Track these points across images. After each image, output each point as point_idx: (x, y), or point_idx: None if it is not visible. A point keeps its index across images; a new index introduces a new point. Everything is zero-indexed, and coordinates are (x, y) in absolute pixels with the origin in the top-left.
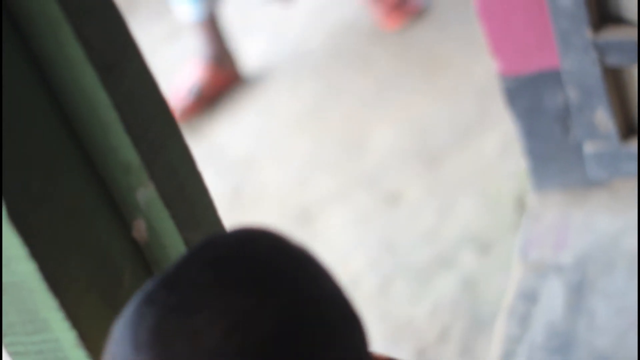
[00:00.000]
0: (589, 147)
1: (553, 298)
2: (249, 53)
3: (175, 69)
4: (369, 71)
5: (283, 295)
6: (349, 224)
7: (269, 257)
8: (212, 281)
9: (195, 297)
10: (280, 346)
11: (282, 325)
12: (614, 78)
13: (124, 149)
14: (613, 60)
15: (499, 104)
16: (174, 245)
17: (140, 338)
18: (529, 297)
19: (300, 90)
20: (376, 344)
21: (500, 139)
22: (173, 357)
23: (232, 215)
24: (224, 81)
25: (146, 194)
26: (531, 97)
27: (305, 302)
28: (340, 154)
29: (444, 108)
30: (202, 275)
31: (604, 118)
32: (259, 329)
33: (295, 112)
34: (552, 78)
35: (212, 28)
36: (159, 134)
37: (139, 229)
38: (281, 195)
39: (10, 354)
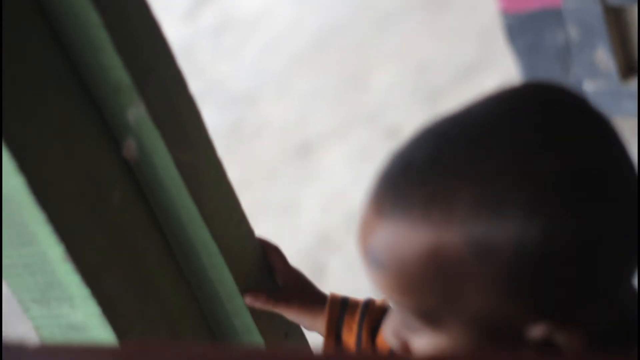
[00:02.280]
0: (588, 86)
1: None
2: None
3: None
4: (371, 8)
5: (572, 145)
6: (349, 159)
7: (564, 106)
8: (498, 119)
9: (478, 131)
10: (553, 200)
11: (562, 177)
12: (615, 17)
13: (115, 69)
14: None
15: (500, 43)
16: (164, 165)
17: (414, 164)
18: None
19: (301, 26)
20: None
21: (501, 77)
22: (441, 188)
23: (232, 148)
24: None
25: (136, 113)
26: (532, 35)
27: (597, 160)
28: (341, 90)
29: (445, 46)
30: (489, 113)
31: (604, 57)
32: (534, 174)
33: (296, 48)
34: (553, 16)
35: None
36: (150, 55)
37: (129, 148)
38: (281, 130)
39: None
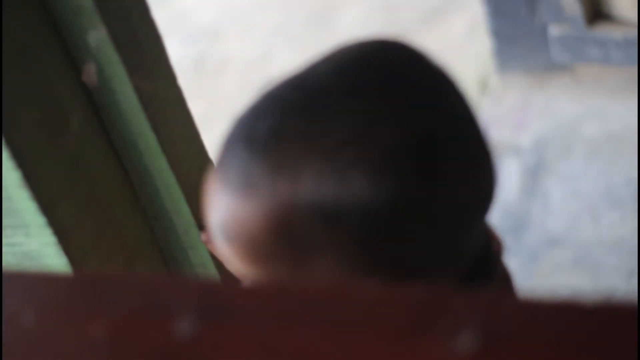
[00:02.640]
0: (554, 30)
1: (509, 179)
2: None
3: None
4: None
5: (414, 110)
6: None
7: (404, 69)
8: (340, 85)
9: (320, 100)
10: (399, 166)
11: (406, 144)
12: None
13: None
14: None
15: None
16: (124, 91)
17: (256, 135)
18: None
19: None
20: None
21: (468, 20)
22: (285, 160)
23: (195, 83)
24: None
25: (97, 37)
26: None
27: (439, 123)
28: (306, 28)
29: None
30: (330, 78)
31: (570, 1)
32: (378, 143)
33: None
34: None
35: None
36: None
37: (89, 72)
38: (245, 67)
39: None
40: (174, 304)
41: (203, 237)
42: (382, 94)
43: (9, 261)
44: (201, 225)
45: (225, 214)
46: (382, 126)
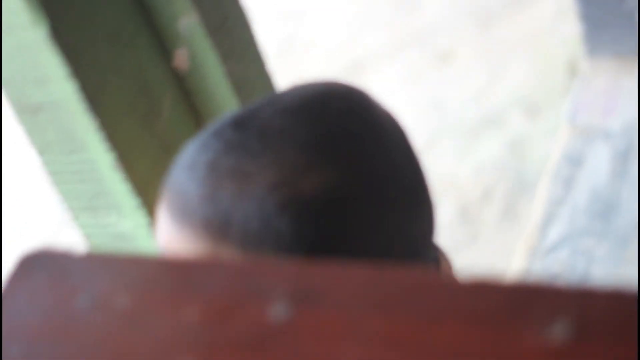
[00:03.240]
0: None
1: (598, 163)
2: None
3: None
4: None
5: (343, 161)
6: (399, 80)
7: (345, 118)
8: (278, 129)
9: (258, 141)
10: (324, 212)
11: (331, 192)
12: None
13: None
14: None
15: None
16: (215, 76)
17: (197, 169)
18: (574, 161)
19: None
20: None
21: (556, 3)
22: (219, 194)
23: (282, 65)
24: None
25: (189, 23)
26: None
27: (366, 176)
28: (393, 10)
29: None
30: (271, 120)
31: None
32: (305, 189)
33: None
34: None
35: None
36: None
37: (180, 58)
38: (331, 48)
39: (47, 172)
40: (267, 289)
41: None
42: (315, 143)
43: (103, 243)
44: None
45: (165, 236)
46: (307, 177)
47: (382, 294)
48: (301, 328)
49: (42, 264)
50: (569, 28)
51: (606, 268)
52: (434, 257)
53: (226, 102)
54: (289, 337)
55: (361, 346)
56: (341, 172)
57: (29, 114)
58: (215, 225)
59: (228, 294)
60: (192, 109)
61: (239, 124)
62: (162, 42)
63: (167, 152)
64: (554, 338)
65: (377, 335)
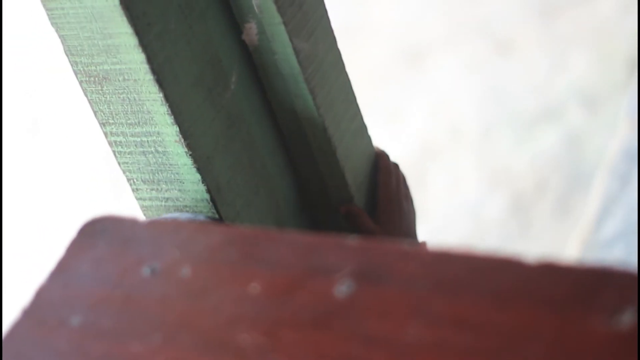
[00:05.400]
0: None
1: None
2: None
3: None
4: None
5: None
6: (458, 68)
7: None
8: None
9: None
10: None
11: None
12: None
13: None
14: None
15: None
16: (283, 52)
17: None
18: (632, 157)
19: None
20: (473, 190)
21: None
22: None
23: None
24: None
25: None
26: None
27: None
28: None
29: None
30: None
31: None
32: None
33: None
34: None
35: None
36: None
37: (250, 32)
38: (392, 34)
39: (110, 143)
40: (332, 266)
41: (344, 208)
42: None
43: (161, 215)
44: (351, 193)
45: None
46: None
47: (447, 274)
48: (365, 306)
49: (104, 231)
50: (632, 23)
51: None
52: None
53: (293, 79)
54: (353, 315)
55: (425, 326)
56: None
57: (95, 84)
58: None
59: (293, 269)
60: (259, 84)
61: None
62: (232, 16)
63: (231, 126)
64: (622, 326)
65: (442, 316)
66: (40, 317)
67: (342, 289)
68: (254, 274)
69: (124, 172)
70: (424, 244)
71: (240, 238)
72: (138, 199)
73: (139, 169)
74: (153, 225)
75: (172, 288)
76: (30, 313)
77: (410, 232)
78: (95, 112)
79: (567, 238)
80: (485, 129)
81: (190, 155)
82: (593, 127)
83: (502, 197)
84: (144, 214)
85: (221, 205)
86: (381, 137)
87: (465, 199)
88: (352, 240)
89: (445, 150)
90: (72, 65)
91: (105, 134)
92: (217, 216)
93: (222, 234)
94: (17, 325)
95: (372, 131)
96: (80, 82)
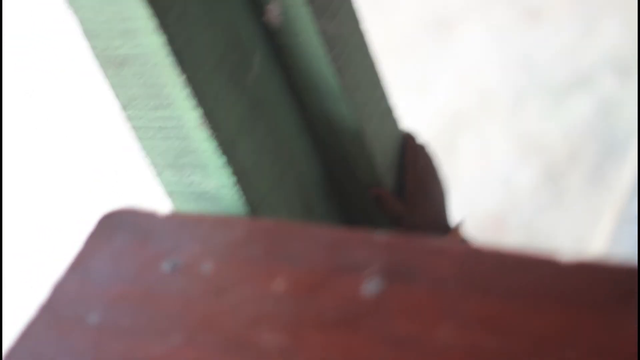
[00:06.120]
0: None
1: None
2: None
3: None
4: None
5: None
6: (487, 36)
7: None
8: None
9: None
10: None
11: None
12: None
13: None
14: None
15: None
16: (307, 33)
17: None
18: None
19: None
20: (504, 159)
21: None
22: None
23: (369, 19)
24: None
25: None
26: None
27: None
28: None
29: None
30: None
31: None
32: None
33: None
34: None
35: None
36: None
37: (272, 12)
38: (419, 3)
39: (131, 128)
40: (360, 263)
41: (373, 192)
42: None
43: (187, 202)
44: (380, 176)
45: None
46: None
47: (479, 273)
48: (394, 306)
49: (124, 224)
50: None
51: None
52: None
53: (318, 61)
54: (381, 316)
55: (456, 329)
56: None
57: (114, 68)
58: None
59: (319, 266)
60: (283, 65)
61: None
62: None
63: (255, 109)
64: None
65: (474, 317)
66: (57, 315)
67: (370, 287)
68: (278, 271)
69: (145, 157)
70: (459, 225)
71: (263, 233)
72: (162, 184)
73: (161, 153)
74: (173, 219)
75: (192, 285)
76: (47, 310)
77: (441, 214)
78: (114, 96)
79: (600, 209)
80: (515, 98)
81: (213, 139)
82: (627, 95)
83: (533, 167)
84: (168, 200)
85: (246, 189)
86: (409, 107)
87: (496, 168)
88: (380, 236)
89: (475, 119)
90: (89, 47)
91: (126, 118)
92: (242, 200)
93: (245, 228)
94: (34, 323)
95: (398, 103)
96: (99, 66)
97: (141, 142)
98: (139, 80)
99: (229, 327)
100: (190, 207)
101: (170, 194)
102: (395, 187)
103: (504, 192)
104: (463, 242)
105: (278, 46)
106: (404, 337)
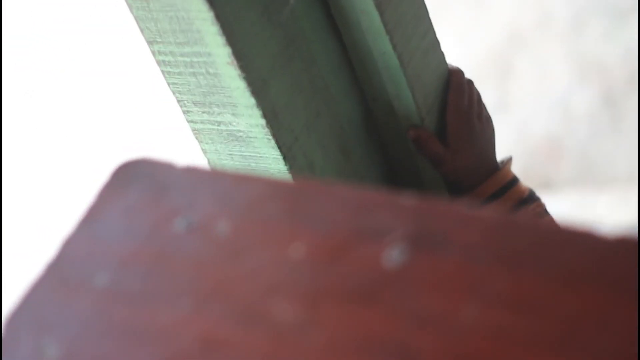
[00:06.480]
0: None
1: None
2: None
3: None
4: None
5: None
6: None
7: None
8: None
9: None
10: None
11: None
12: None
13: None
14: None
15: None
16: None
17: None
18: None
19: None
20: (561, 82)
21: None
22: None
23: None
24: None
25: None
26: None
27: None
28: None
29: None
30: None
31: None
32: None
33: None
34: None
35: None
36: None
37: None
38: None
39: (158, 62)
40: (385, 228)
41: (411, 133)
42: None
43: (214, 141)
44: (421, 115)
45: None
46: None
47: (510, 246)
48: (418, 278)
49: (140, 175)
50: None
51: None
52: None
53: None
54: (403, 288)
55: (483, 307)
56: None
57: (141, 0)
58: None
59: (341, 230)
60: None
61: None
62: None
63: (290, 46)
64: None
65: (503, 295)
66: (64, 275)
67: (393, 255)
68: (297, 234)
69: (173, 92)
70: (509, 161)
71: (284, 191)
72: (189, 121)
73: (189, 90)
74: (190, 172)
75: (206, 247)
76: (54, 269)
77: (486, 154)
78: (141, 30)
79: None
80: (576, 19)
81: (243, 78)
82: None
83: (592, 90)
84: (196, 138)
85: (277, 129)
86: (466, 26)
87: (554, 90)
88: (407, 199)
89: (534, 39)
90: None
91: (153, 53)
92: (272, 141)
93: (266, 185)
94: (39, 284)
95: (456, 21)
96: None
97: (169, 77)
98: (168, 14)
99: (242, 295)
100: (219, 147)
101: (199, 132)
102: (439, 126)
103: (560, 115)
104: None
105: None
106: (426, 315)
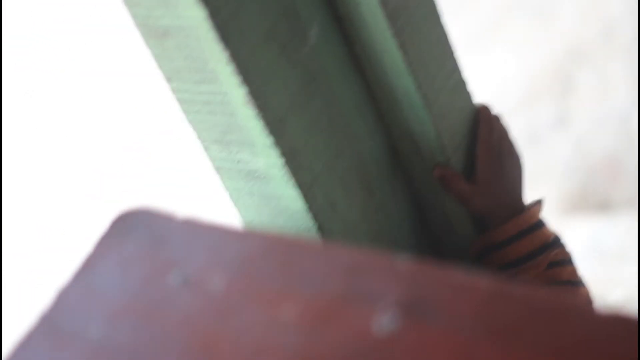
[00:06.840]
0: None
1: None
2: None
3: None
4: None
5: None
6: None
7: None
8: None
9: None
10: None
11: None
12: None
13: None
14: None
15: None
16: (369, 3)
17: None
18: None
19: None
20: (624, 97)
21: None
22: None
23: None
24: None
25: None
26: None
27: None
28: None
29: None
30: None
31: None
32: None
33: None
34: None
35: None
36: None
37: None
38: None
39: (177, 100)
40: (377, 293)
41: (437, 172)
42: None
43: (235, 179)
44: (447, 155)
45: None
46: None
47: (502, 319)
48: (406, 345)
49: (138, 227)
50: None
51: None
52: None
53: (380, 33)
54: (392, 354)
55: None
56: None
57: (156, 38)
58: None
59: (333, 292)
60: (343, 35)
61: None
62: None
63: (310, 84)
64: None
65: None
66: (57, 326)
67: (384, 321)
68: (289, 294)
69: (193, 130)
70: (538, 203)
71: (280, 248)
72: (210, 158)
73: (208, 128)
74: (189, 225)
75: (199, 302)
76: (47, 320)
77: (514, 192)
78: (159, 67)
79: None
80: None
81: (261, 117)
82: None
83: None
84: (217, 175)
85: (296, 170)
86: (527, 40)
87: (615, 107)
88: (402, 263)
89: (595, 54)
90: (131, 17)
91: (172, 90)
92: (292, 181)
93: (262, 241)
94: (34, 332)
95: (517, 35)
96: (142, 36)
97: (187, 115)
98: (182, 53)
99: (229, 356)
100: (239, 185)
101: (218, 169)
102: (467, 165)
103: (621, 132)
104: (538, 224)
105: (338, 17)
106: None
